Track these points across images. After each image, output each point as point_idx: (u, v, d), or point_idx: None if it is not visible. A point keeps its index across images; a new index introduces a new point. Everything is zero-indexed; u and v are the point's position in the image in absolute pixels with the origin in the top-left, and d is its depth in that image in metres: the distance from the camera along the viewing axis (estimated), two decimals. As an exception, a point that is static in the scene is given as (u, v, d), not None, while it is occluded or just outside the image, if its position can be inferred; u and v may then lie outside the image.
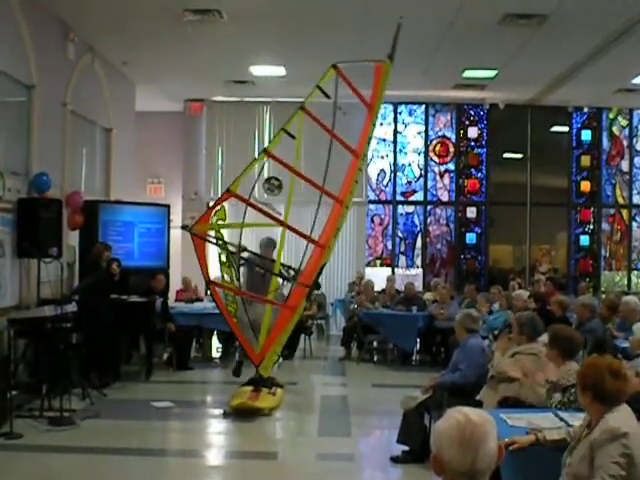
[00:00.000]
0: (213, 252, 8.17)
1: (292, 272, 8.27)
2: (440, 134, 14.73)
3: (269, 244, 8.75)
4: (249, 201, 7.72)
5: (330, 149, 7.68)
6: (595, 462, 3.16)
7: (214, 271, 8.25)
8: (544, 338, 5.89)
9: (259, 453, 6.47)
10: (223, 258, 7.88)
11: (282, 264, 8.19)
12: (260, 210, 8.02)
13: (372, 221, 14.63)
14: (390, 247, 14.64)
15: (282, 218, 8.16)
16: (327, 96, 7.59)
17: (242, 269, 8.32)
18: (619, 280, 14.87)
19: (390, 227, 14.64)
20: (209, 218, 7.72)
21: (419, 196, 14.67)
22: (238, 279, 8.10)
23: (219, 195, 8.83)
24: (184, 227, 7.85)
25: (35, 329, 7.16)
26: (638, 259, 14.91)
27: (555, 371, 4.64)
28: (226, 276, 7.91)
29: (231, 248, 8.01)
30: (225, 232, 8.26)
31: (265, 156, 7.74)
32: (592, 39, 9.81)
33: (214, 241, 7.78)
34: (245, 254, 8.38)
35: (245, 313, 7.86)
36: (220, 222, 7.82)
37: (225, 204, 7.85)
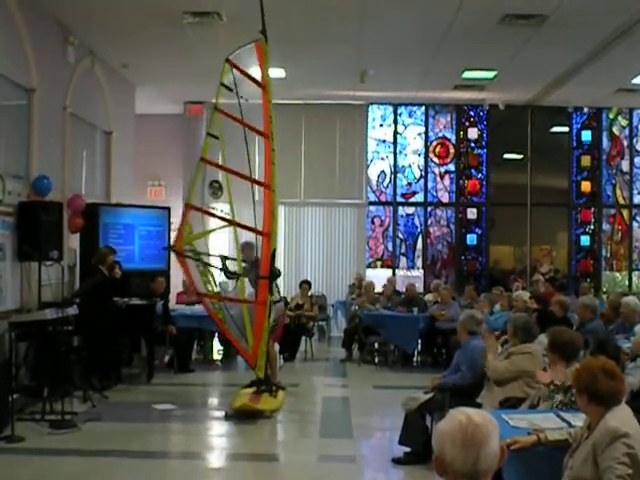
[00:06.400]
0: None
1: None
2: (440, 135, 14.74)
3: (247, 247, 8.67)
4: (203, 209, 8.43)
5: (246, 138, 7.92)
6: (600, 466, 3.15)
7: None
8: (542, 338, 5.90)
9: (260, 455, 6.47)
10: (201, 268, 8.03)
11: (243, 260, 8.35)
12: (212, 215, 8.44)
13: (372, 222, 14.63)
14: (391, 248, 14.64)
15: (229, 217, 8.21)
16: (229, 89, 7.73)
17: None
18: (620, 280, 14.86)
19: (391, 228, 14.65)
20: (182, 235, 7.78)
21: (419, 197, 14.68)
22: (217, 285, 8.39)
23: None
24: (166, 248, 7.98)
25: (36, 332, 7.15)
26: (639, 259, 14.91)
27: (561, 373, 4.61)
28: (208, 286, 8.00)
29: (204, 258, 8.16)
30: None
31: (203, 164, 8.02)
32: (592, 39, 9.82)
33: (191, 255, 7.90)
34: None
35: (231, 318, 7.94)
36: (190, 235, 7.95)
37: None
